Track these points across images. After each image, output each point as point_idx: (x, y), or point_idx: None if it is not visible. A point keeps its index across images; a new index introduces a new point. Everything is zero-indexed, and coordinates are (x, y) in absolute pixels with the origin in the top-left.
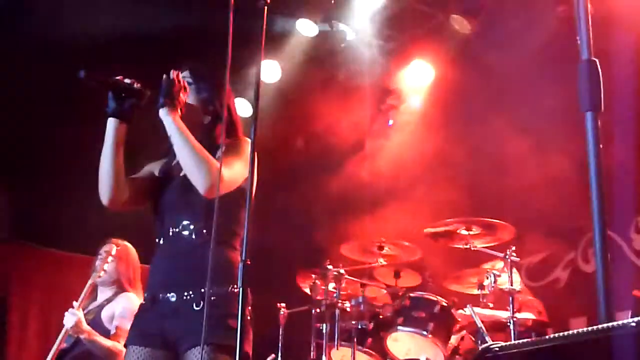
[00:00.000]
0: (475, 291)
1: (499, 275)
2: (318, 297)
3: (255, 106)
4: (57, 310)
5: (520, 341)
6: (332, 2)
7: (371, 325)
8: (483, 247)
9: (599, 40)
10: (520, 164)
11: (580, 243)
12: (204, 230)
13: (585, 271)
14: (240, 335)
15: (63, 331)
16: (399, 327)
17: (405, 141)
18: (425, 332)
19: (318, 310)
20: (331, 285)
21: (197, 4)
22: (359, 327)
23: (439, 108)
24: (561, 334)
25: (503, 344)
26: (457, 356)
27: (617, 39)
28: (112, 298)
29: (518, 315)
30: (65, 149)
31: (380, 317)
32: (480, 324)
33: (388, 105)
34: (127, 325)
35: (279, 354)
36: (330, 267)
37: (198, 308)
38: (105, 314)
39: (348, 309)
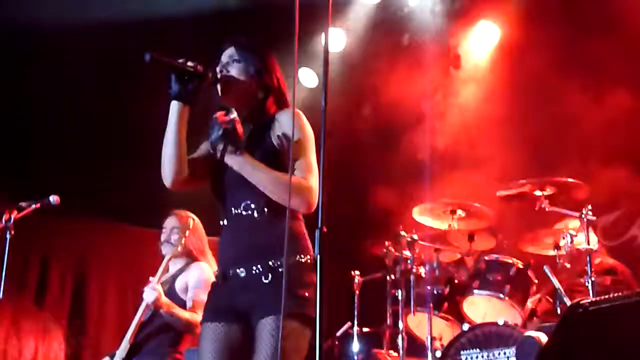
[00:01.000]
0: (552, 252)
1: (575, 235)
2: (392, 264)
3: (325, 75)
4: (133, 285)
5: (610, 296)
6: None
7: (447, 290)
8: (557, 208)
9: None
10: (591, 124)
11: None
12: (266, 208)
13: None
14: (320, 302)
15: (143, 305)
16: (475, 291)
17: (473, 103)
18: (501, 295)
19: (393, 276)
20: (405, 251)
21: None
22: (435, 292)
23: (505, 69)
24: None
25: (593, 299)
26: (534, 318)
27: None
28: (184, 268)
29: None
30: (129, 125)
31: (456, 281)
32: (558, 285)
33: (454, 68)
34: (202, 295)
35: (355, 322)
36: (403, 232)
37: (267, 280)
38: (179, 285)
39: (423, 275)
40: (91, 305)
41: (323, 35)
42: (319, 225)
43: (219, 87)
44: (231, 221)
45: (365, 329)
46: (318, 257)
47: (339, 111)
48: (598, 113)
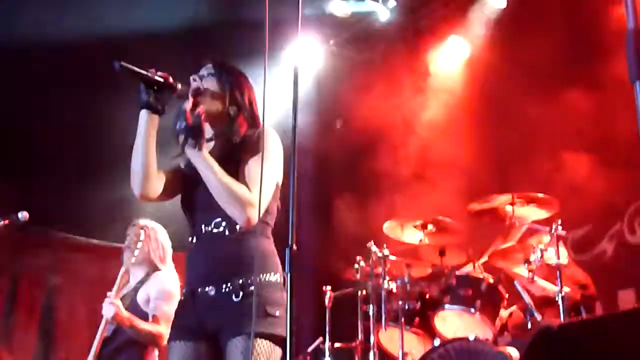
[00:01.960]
0: (522, 267)
1: (545, 250)
2: (363, 279)
3: (295, 94)
4: (102, 300)
5: (577, 318)
6: None
7: (418, 305)
8: (528, 222)
9: None
10: (562, 139)
11: (626, 214)
12: (237, 226)
13: (631, 242)
14: (290, 321)
15: (103, 322)
16: (446, 306)
17: (443, 118)
18: (472, 310)
19: (364, 292)
20: (376, 267)
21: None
22: (406, 307)
23: (475, 84)
24: (616, 312)
25: (561, 323)
26: (505, 333)
27: None
28: (145, 279)
29: (566, 289)
30: (99, 139)
31: (427, 296)
32: (528, 300)
33: (425, 84)
34: (164, 307)
35: (327, 337)
36: (374, 248)
37: (237, 299)
38: (140, 297)
39: (394, 290)
40: (60, 322)
41: (293, 50)
42: (290, 244)
43: (190, 99)
44: (200, 239)
45: (337, 345)
46: (289, 275)
47: (310, 128)
48: (567, 127)
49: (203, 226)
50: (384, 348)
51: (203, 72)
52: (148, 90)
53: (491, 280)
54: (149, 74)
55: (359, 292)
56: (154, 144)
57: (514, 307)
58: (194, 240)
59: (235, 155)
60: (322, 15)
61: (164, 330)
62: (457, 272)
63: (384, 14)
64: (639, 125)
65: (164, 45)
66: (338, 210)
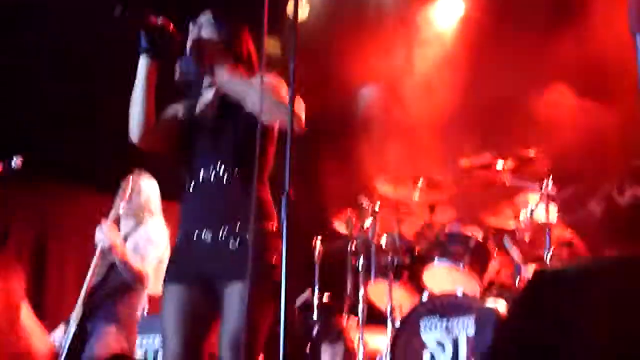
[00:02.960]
0: (512, 224)
1: (535, 208)
2: (353, 233)
3: (294, 39)
4: (93, 251)
5: (575, 262)
6: None
7: (407, 260)
8: (518, 180)
9: None
10: (553, 96)
11: (616, 174)
12: (236, 174)
13: (620, 203)
14: (286, 268)
15: (97, 252)
16: (435, 262)
17: (436, 74)
18: (461, 266)
19: (354, 245)
20: (366, 221)
21: None
22: (395, 261)
23: (468, 41)
24: (615, 256)
25: (556, 267)
26: (493, 288)
27: None
28: (135, 229)
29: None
30: (100, 88)
31: (416, 251)
32: (517, 257)
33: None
34: (151, 252)
35: (315, 290)
36: (365, 202)
37: (233, 247)
38: (129, 246)
39: (383, 244)
40: (51, 272)
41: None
42: (286, 189)
43: (188, 47)
44: (198, 184)
45: (325, 298)
46: (285, 220)
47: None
48: (559, 83)
49: (202, 173)
50: (372, 302)
51: (202, 19)
52: (148, 36)
53: (480, 237)
54: (150, 20)
55: (349, 246)
56: (153, 90)
57: (500, 265)
58: (192, 187)
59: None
60: None
61: (150, 271)
62: (447, 229)
63: None
64: (639, 79)
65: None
66: (331, 161)
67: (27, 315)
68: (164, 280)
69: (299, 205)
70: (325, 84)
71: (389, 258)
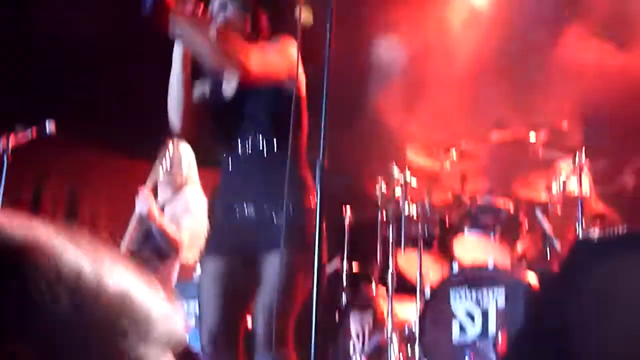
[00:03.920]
0: (544, 196)
1: (568, 181)
2: (384, 202)
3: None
4: (125, 216)
5: (616, 232)
6: None
7: (437, 230)
8: (551, 152)
9: None
10: (587, 69)
11: None
12: (275, 147)
13: None
14: (319, 234)
15: (134, 218)
16: (466, 232)
17: (472, 44)
18: (492, 237)
19: (384, 215)
20: (397, 190)
21: None
22: (426, 231)
23: (503, 11)
24: None
25: (600, 235)
26: (524, 260)
27: None
28: (173, 197)
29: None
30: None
31: (447, 222)
32: (548, 229)
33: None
34: (188, 221)
35: (345, 259)
36: (396, 171)
37: (276, 221)
38: (167, 214)
39: (414, 214)
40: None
41: None
42: (320, 159)
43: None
44: (236, 158)
45: (354, 266)
46: (318, 186)
47: (337, 47)
48: (594, 58)
49: (238, 146)
50: (401, 271)
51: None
52: (180, 22)
53: (512, 208)
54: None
55: (379, 215)
56: (189, 76)
57: (530, 237)
58: (229, 160)
59: None
60: None
61: (185, 240)
62: (478, 199)
63: None
64: None
65: None
66: (363, 131)
67: None
68: (205, 252)
69: (331, 173)
70: (357, 49)
71: (419, 227)
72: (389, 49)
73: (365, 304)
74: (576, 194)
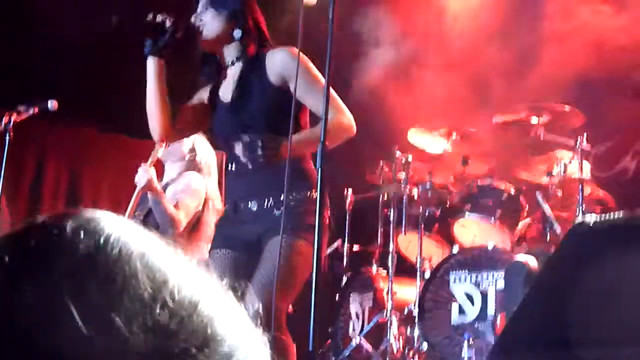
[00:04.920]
0: (544, 179)
1: (569, 164)
2: (385, 183)
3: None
4: (127, 196)
5: (614, 217)
6: None
7: (438, 212)
8: (552, 136)
9: None
10: (585, 52)
11: None
12: (273, 142)
13: None
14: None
15: (136, 191)
16: (466, 214)
17: (470, 23)
18: (492, 219)
19: (385, 196)
20: (399, 172)
21: None
22: (426, 213)
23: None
24: None
25: (597, 219)
26: (523, 243)
27: None
28: (177, 178)
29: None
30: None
31: (448, 203)
32: (548, 212)
33: None
34: (187, 199)
35: (346, 240)
36: (398, 153)
37: (278, 213)
38: (169, 193)
39: (415, 196)
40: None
41: None
42: (319, 164)
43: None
44: (239, 163)
45: (355, 248)
46: (319, 170)
47: (337, 34)
48: (596, 38)
49: (240, 147)
50: (402, 253)
51: (200, 6)
52: (151, 37)
53: (512, 191)
54: (148, 21)
55: (381, 197)
56: (164, 88)
57: (531, 219)
58: (234, 166)
59: (256, 71)
60: None
61: (182, 218)
62: (479, 182)
63: None
64: None
65: None
66: (365, 112)
67: None
68: (210, 247)
69: (333, 155)
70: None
71: (420, 209)
72: (389, 30)
73: (366, 285)
74: (576, 178)
